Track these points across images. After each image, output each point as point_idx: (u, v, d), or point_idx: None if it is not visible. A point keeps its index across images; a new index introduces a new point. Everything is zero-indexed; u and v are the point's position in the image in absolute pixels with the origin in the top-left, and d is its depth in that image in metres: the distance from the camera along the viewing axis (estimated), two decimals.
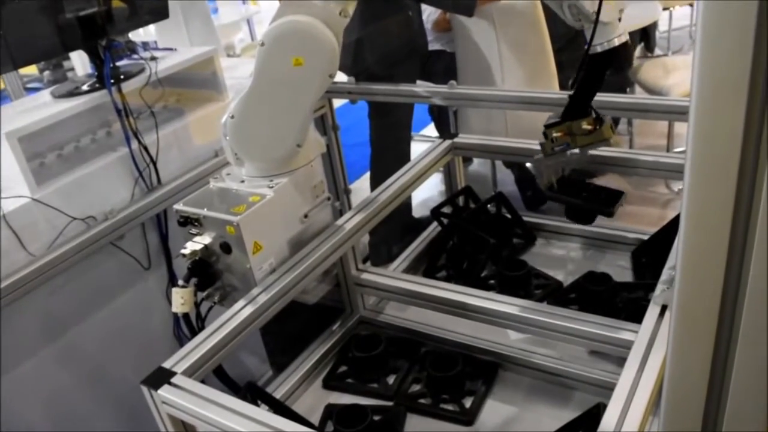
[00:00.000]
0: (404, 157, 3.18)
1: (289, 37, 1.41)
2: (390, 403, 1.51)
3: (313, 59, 1.41)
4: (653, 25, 4.63)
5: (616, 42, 1.47)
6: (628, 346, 1.21)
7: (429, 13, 3.17)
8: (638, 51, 4.45)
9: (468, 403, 1.49)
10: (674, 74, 3.68)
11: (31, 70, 5.75)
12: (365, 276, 1.72)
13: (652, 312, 1.25)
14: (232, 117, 1.50)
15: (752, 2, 0.46)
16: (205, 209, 1.45)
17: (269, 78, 1.46)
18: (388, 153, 3.19)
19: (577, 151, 1.63)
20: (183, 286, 1.43)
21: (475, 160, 4.13)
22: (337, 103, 2.59)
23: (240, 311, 1.35)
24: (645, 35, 4.50)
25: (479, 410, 1.48)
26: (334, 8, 1.42)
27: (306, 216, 1.58)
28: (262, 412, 1.15)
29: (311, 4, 1.40)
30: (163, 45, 2.34)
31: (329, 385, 1.63)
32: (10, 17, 1.74)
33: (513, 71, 2.90)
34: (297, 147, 1.51)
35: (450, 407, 1.49)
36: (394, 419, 1.44)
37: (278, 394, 1.55)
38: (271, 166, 1.54)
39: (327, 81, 1.46)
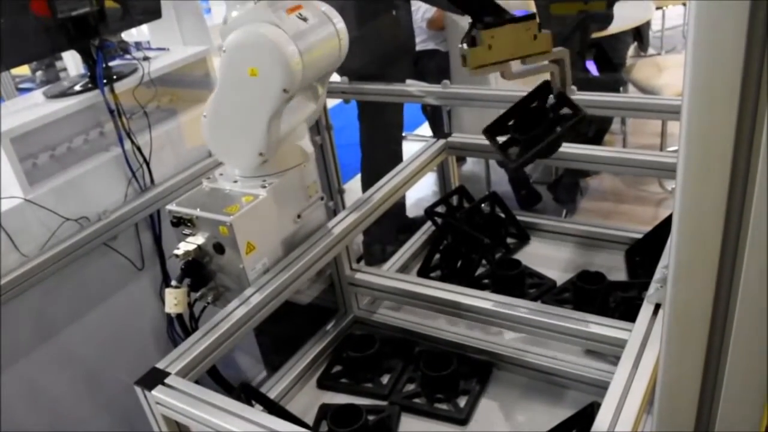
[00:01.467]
0: (394, 157, 3.17)
1: (246, 46, 1.40)
2: (384, 403, 1.51)
3: (266, 71, 1.39)
4: (646, 25, 4.64)
5: None
6: (621, 344, 1.21)
7: (424, 11, 3.17)
8: (631, 50, 4.46)
9: (462, 402, 1.49)
10: (667, 73, 3.69)
11: (24, 70, 5.72)
12: (359, 276, 1.72)
13: (645, 311, 1.25)
14: (205, 116, 1.51)
15: (744, 2, 0.46)
16: (198, 210, 1.45)
17: (229, 85, 1.45)
18: (377, 154, 3.19)
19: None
20: (176, 287, 1.43)
21: (469, 160, 4.13)
22: (331, 103, 2.59)
23: (233, 312, 1.35)
24: (638, 34, 4.51)
25: (473, 410, 1.48)
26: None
27: (299, 216, 1.58)
28: (256, 413, 1.15)
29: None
30: (155, 45, 2.33)
31: (323, 385, 1.63)
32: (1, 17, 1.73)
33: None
34: (260, 156, 1.48)
35: (444, 407, 1.50)
36: (389, 419, 1.44)
37: (272, 395, 1.55)
38: (262, 166, 1.53)
39: (282, 95, 1.41)
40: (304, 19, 1.47)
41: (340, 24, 1.55)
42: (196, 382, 1.24)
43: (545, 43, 1.33)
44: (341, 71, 2.68)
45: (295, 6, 1.47)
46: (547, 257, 1.96)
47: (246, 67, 1.40)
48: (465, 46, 1.32)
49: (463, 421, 1.45)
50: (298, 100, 1.57)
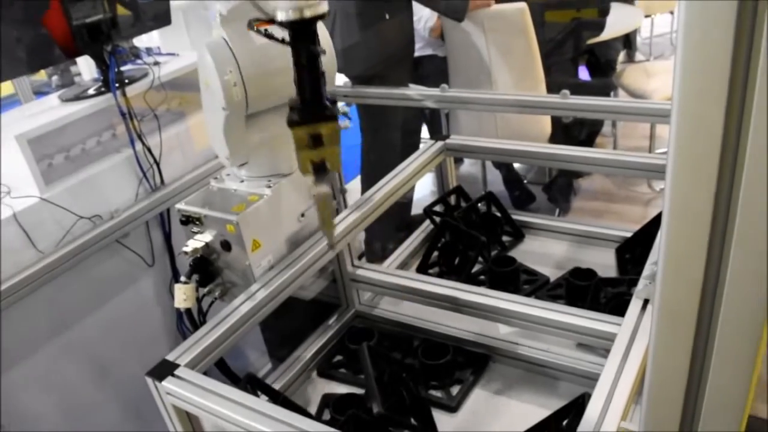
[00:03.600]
0: (394, 160, 3.15)
1: (200, 60, 1.39)
2: None
3: (212, 87, 1.37)
4: (635, 32, 4.64)
5: (307, 13, 1.10)
6: (611, 338, 1.21)
7: (426, 20, 3.17)
8: (622, 56, 4.46)
9: (455, 391, 1.50)
10: (656, 79, 3.68)
11: (40, 75, 5.73)
12: (360, 272, 1.72)
13: (634, 306, 1.25)
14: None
15: (731, 12, 0.47)
16: (206, 208, 1.44)
17: (201, 91, 1.45)
18: (377, 156, 3.18)
19: None
20: (185, 283, 1.43)
21: (466, 161, 4.13)
22: None
23: (240, 306, 1.35)
24: (628, 42, 4.51)
25: (465, 398, 1.48)
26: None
27: (303, 215, 1.58)
28: (261, 403, 1.15)
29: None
30: (165, 50, 2.33)
31: (326, 375, 1.63)
32: (24, 26, 1.74)
33: (502, 75, 2.90)
34: (227, 159, 1.47)
35: (437, 394, 1.50)
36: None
37: (277, 386, 1.55)
38: (267, 167, 1.53)
39: (223, 112, 1.38)
40: (269, 36, 1.42)
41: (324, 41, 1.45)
42: (205, 373, 1.24)
43: None
44: (345, 74, 2.68)
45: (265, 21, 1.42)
46: (541, 254, 1.96)
47: (204, 78, 1.39)
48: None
49: (453, 409, 1.46)
50: (281, 114, 1.53)
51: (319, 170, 1.18)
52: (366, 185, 3.19)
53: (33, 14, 1.78)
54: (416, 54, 3.21)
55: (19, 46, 1.78)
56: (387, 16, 2.84)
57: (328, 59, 1.46)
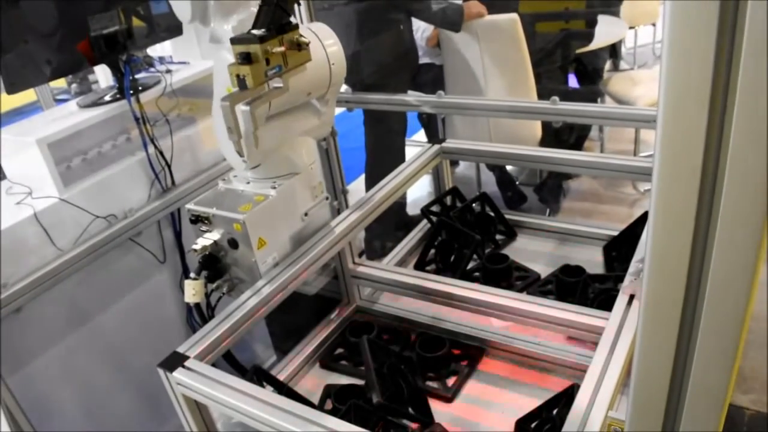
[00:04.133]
0: (397, 161, 3.16)
1: (222, 66, 1.38)
2: None
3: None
4: (620, 42, 4.63)
5: None
6: (599, 331, 1.20)
7: (423, 30, 3.17)
8: (608, 65, 4.46)
9: (451, 381, 1.49)
10: (640, 86, 3.68)
11: (60, 83, 5.72)
12: (361, 269, 1.71)
13: (621, 301, 1.24)
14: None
15: (713, 25, 0.46)
16: (215, 208, 1.44)
17: (217, 97, 1.44)
18: (381, 158, 3.17)
19: None
20: (194, 279, 1.42)
21: (462, 163, 4.12)
22: (335, 111, 2.58)
23: (246, 301, 1.35)
24: (613, 51, 4.50)
25: (460, 389, 1.48)
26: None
27: (306, 214, 1.57)
28: (267, 393, 1.15)
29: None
30: (177, 59, 2.32)
31: (328, 366, 1.63)
32: (47, 37, 1.75)
33: (495, 82, 2.89)
34: (244, 162, 1.45)
35: (434, 385, 1.49)
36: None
37: (282, 377, 1.55)
38: (271, 169, 1.52)
39: None
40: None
41: (334, 47, 1.47)
42: (213, 365, 1.24)
43: None
44: (347, 81, 2.68)
45: None
46: (532, 252, 1.95)
47: (225, 85, 1.38)
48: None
49: (449, 399, 1.45)
50: (293, 116, 1.53)
51: (240, 85, 1.24)
52: (369, 184, 3.20)
53: (70, 42, 1.81)
54: None
55: (48, 62, 1.79)
56: (401, 27, 2.84)
57: (338, 65, 1.49)
